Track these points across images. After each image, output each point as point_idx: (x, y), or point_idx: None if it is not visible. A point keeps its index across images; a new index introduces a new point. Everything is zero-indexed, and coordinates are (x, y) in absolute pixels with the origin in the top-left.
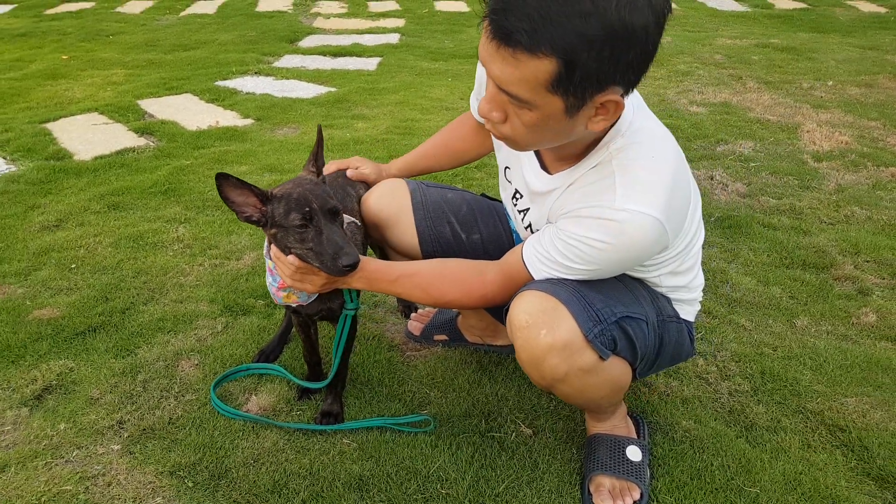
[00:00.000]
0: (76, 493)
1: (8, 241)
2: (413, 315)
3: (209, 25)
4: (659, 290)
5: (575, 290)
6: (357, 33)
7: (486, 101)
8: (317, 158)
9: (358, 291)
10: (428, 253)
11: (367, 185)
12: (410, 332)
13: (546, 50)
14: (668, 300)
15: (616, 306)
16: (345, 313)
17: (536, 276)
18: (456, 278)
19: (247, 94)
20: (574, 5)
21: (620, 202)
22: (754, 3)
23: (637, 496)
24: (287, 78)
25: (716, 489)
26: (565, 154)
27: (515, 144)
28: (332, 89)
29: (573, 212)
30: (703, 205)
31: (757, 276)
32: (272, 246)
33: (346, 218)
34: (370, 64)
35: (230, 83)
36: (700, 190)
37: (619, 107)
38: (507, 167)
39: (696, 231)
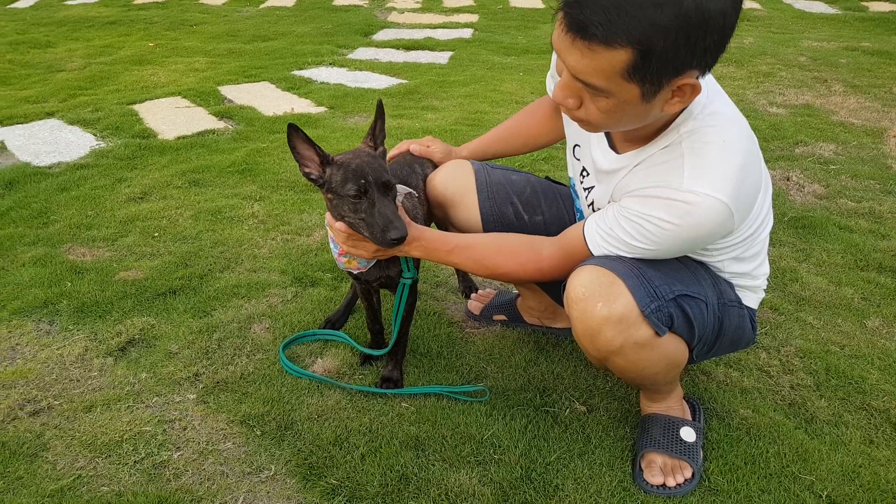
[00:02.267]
0: (155, 433)
1: (97, 209)
2: (473, 295)
3: (287, 18)
4: (722, 275)
5: (634, 266)
6: (430, 28)
7: (561, 88)
8: (375, 132)
9: (416, 261)
10: (490, 232)
11: (435, 164)
12: (470, 311)
13: (622, 41)
14: (731, 286)
15: (675, 284)
16: (402, 282)
17: (596, 253)
18: (512, 251)
19: (321, 83)
20: None
21: (688, 184)
22: (846, 6)
23: (689, 475)
24: (360, 69)
25: (770, 475)
26: (636, 135)
27: (590, 127)
28: (404, 81)
29: (639, 191)
30: (777, 205)
31: (829, 276)
32: (327, 213)
33: (405, 189)
34: (442, 57)
35: (306, 73)
36: (774, 190)
37: (696, 90)
38: (576, 145)
39: (764, 219)
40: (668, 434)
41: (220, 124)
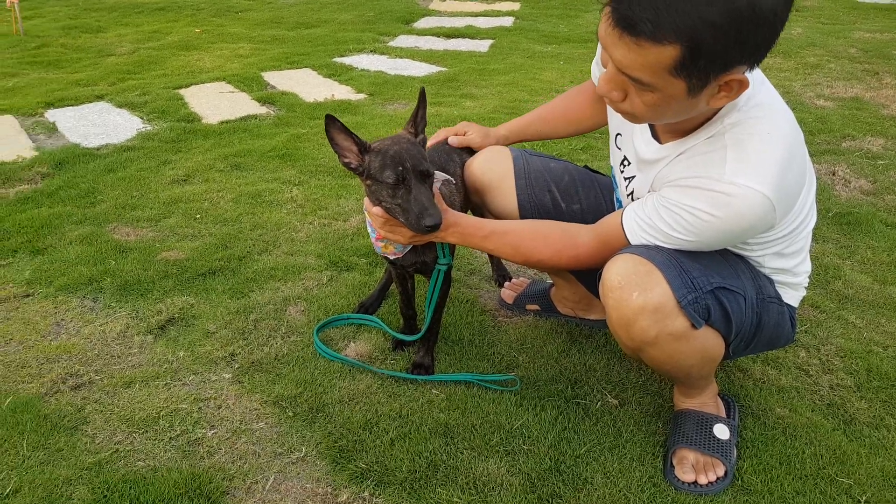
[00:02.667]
0: (190, 411)
1: (142, 190)
2: (507, 284)
3: (330, 5)
4: (762, 270)
5: (672, 256)
6: (472, 16)
7: (606, 80)
8: (416, 119)
9: (452, 247)
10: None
11: (474, 151)
12: (503, 300)
13: (670, 38)
14: (771, 281)
15: (713, 276)
16: (437, 268)
17: (634, 242)
18: (548, 238)
19: (362, 70)
20: None
21: (730, 175)
22: None
23: (721, 473)
24: (400, 57)
25: (805, 475)
26: (680, 126)
27: (634, 119)
28: (443, 69)
29: (679, 181)
30: (821, 200)
31: (874, 274)
32: (365, 198)
33: (442, 176)
34: (482, 46)
35: (347, 60)
36: (819, 185)
37: (744, 85)
38: (618, 134)
39: (807, 214)
40: (702, 431)
41: (262, 110)
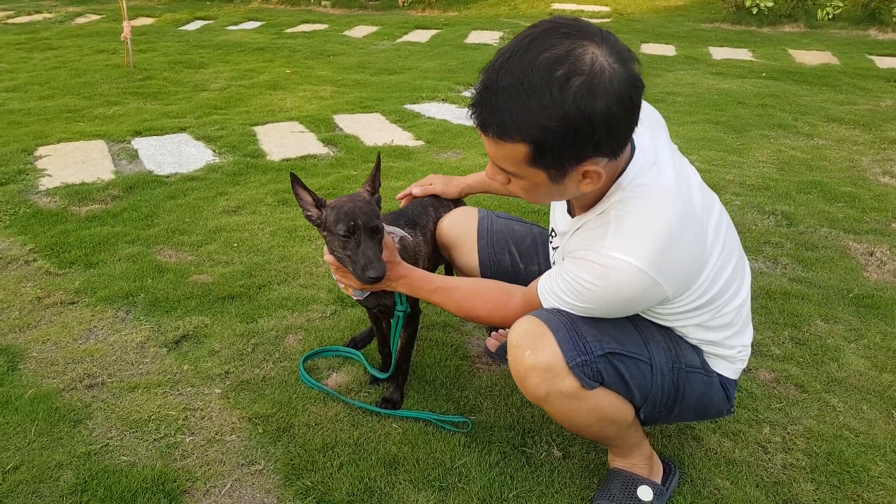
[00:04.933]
0: (177, 418)
1: (194, 217)
2: (493, 333)
3: (417, 53)
4: (689, 340)
5: (568, 320)
6: None
7: (490, 167)
8: (374, 180)
9: (414, 299)
10: (487, 277)
11: (451, 208)
12: (488, 348)
13: (517, 138)
14: (699, 352)
15: (609, 342)
16: (396, 314)
17: (545, 305)
18: (486, 297)
19: (428, 118)
20: (535, 100)
21: (607, 249)
22: None
23: None
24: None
25: None
26: (583, 203)
27: (520, 198)
28: None
29: (574, 252)
30: (846, 280)
31: (874, 360)
32: (325, 246)
33: (399, 232)
34: None
35: (417, 107)
36: (851, 265)
37: (601, 176)
38: (551, 208)
39: (725, 291)
40: (626, 490)
41: (323, 150)
